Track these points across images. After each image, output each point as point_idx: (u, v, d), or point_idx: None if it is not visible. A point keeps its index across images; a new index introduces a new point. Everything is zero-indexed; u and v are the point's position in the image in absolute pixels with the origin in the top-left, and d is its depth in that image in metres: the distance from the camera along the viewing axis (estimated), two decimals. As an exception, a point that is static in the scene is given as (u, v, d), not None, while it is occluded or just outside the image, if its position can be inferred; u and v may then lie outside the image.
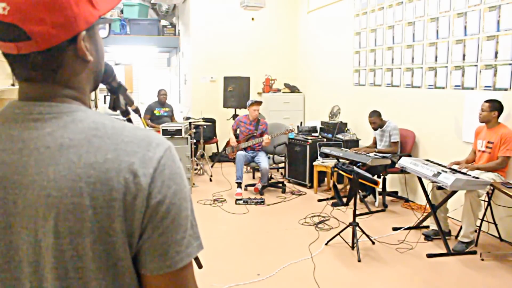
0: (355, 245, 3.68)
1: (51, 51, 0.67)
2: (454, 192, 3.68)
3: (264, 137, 5.42)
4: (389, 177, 5.24)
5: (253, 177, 6.45)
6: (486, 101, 3.86)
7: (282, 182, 5.85)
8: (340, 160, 4.89)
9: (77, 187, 0.63)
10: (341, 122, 6.25)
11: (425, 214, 4.13)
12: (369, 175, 3.78)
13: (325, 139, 6.02)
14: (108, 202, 0.64)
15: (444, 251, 3.62)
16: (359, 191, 5.08)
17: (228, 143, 5.85)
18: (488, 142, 3.85)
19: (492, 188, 3.64)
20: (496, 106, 3.81)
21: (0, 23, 0.64)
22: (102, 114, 0.73)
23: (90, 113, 0.71)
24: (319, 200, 5.22)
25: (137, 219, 0.66)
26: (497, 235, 3.97)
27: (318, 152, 5.57)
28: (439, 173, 3.50)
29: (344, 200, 3.94)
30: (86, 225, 0.64)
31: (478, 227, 3.89)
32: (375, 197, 5.10)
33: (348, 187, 5.19)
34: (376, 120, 5.12)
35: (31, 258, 0.66)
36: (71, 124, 0.67)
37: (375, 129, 5.19)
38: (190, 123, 5.95)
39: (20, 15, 0.63)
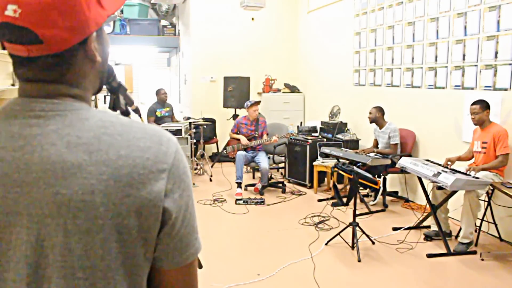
0: (355, 245, 3.68)
1: (62, 54, 0.67)
2: (454, 192, 3.68)
3: (273, 138, 5.44)
4: (389, 177, 5.24)
5: (253, 177, 6.45)
6: (474, 103, 3.84)
7: (282, 182, 5.85)
8: (340, 160, 4.89)
9: (88, 184, 0.63)
10: (341, 122, 6.25)
11: (425, 214, 4.13)
12: (369, 175, 3.78)
13: (325, 139, 6.02)
14: (121, 198, 0.64)
15: (444, 251, 3.62)
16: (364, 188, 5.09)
17: (228, 143, 5.85)
18: (483, 143, 3.85)
19: (492, 188, 3.64)
20: (485, 105, 3.81)
21: (11, 26, 0.63)
22: (106, 112, 0.72)
23: (94, 111, 0.70)
24: (319, 200, 5.22)
25: (154, 213, 0.66)
26: (497, 235, 3.97)
27: (318, 152, 5.57)
28: (439, 173, 3.50)
29: (344, 200, 3.94)
30: (97, 223, 0.63)
31: (478, 227, 3.89)
32: (375, 197, 5.11)
33: (348, 187, 5.19)
34: (375, 113, 5.08)
35: (30, 259, 0.64)
36: (77, 122, 0.66)
37: (370, 122, 5.15)
38: (190, 123, 5.95)
39: (33, 18, 0.62)
